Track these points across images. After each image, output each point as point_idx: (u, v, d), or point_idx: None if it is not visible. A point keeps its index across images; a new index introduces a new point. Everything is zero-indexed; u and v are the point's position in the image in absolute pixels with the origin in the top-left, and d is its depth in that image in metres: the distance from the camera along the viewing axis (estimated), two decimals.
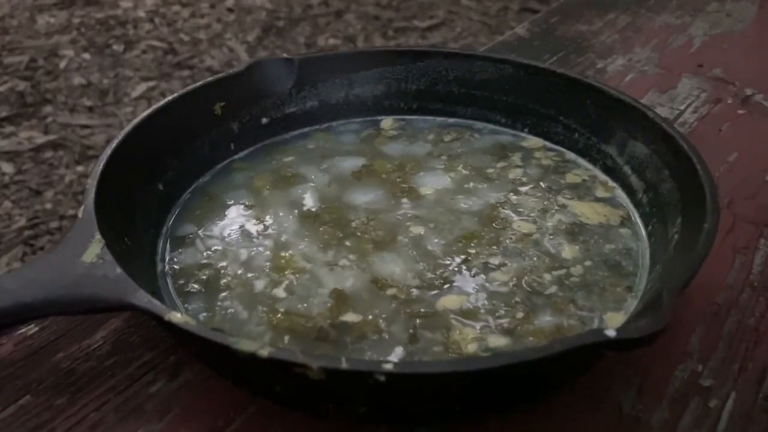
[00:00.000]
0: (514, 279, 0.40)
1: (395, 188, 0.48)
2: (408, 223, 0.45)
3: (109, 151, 0.42)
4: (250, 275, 0.41)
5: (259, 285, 0.40)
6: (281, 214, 0.46)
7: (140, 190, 0.44)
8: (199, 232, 0.45)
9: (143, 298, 0.33)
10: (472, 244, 0.43)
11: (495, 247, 0.43)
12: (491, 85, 0.54)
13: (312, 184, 0.49)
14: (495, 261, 0.42)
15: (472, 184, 0.49)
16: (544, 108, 0.53)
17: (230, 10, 2.26)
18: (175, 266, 0.42)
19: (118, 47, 2.00)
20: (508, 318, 0.38)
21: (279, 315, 0.38)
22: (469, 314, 0.38)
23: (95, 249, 0.35)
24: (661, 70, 0.72)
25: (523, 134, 0.54)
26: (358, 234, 0.44)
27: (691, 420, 0.35)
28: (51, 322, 0.40)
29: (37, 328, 0.40)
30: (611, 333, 0.29)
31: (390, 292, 0.40)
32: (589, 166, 0.50)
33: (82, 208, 0.38)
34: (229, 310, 0.39)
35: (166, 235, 0.44)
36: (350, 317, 0.38)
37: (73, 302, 0.34)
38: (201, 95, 0.50)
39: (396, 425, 0.35)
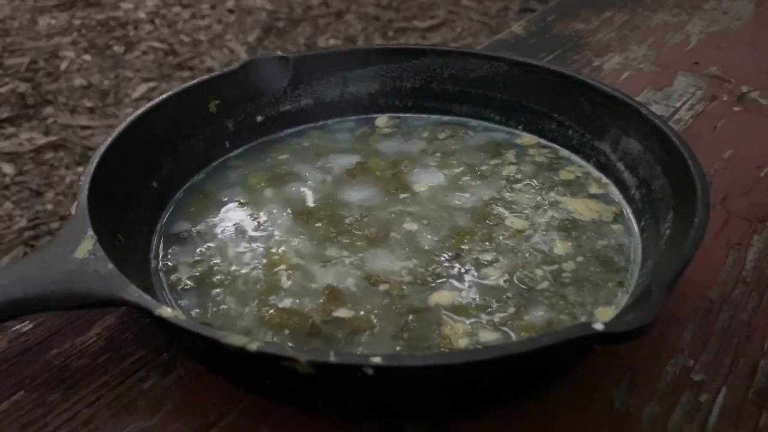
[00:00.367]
0: (506, 275, 0.40)
1: (389, 185, 0.49)
2: (401, 220, 0.45)
3: (103, 148, 0.42)
4: (243, 272, 0.41)
5: (252, 281, 0.40)
6: (275, 211, 0.46)
7: (134, 188, 0.44)
8: (193, 229, 0.45)
9: (134, 294, 0.33)
10: (465, 241, 0.43)
11: (488, 244, 0.43)
12: (486, 83, 0.55)
13: (306, 182, 0.49)
14: (487, 257, 0.42)
15: (465, 180, 0.49)
16: (538, 105, 0.53)
17: (230, 11, 2.26)
18: (169, 263, 0.42)
19: (118, 48, 2.01)
20: (499, 313, 0.38)
21: (271, 311, 0.38)
22: (460, 310, 0.38)
23: (87, 245, 0.36)
24: (658, 67, 0.72)
25: (517, 131, 0.54)
26: (352, 231, 0.44)
27: (681, 414, 0.35)
28: (45, 319, 0.40)
29: (31, 325, 0.40)
30: (599, 326, 0.29)
31: (383, 288, 0.40)
32: (583, 162, 0.50)
33: (75, 204, 0.38)
34: (222, 306, 0.39)
35: (160, 232, 0.45)
36: (343, 313, 0.38)
37: (65, 298, 0.34)
38: (196, 93, 0.50)
39: (386, 420, 0.35)
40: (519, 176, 0.49)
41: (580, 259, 0.42)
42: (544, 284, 0.40)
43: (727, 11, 0.85)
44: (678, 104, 0.64)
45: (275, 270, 0.41)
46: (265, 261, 0.42)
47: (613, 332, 0.29)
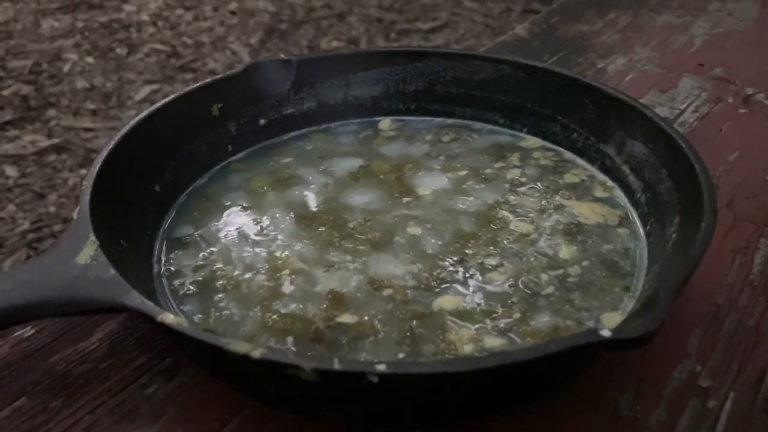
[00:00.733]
0: (511, 279, 0.40)
1: (393, 189, 0.48)
2: (405, 224, 0.45)
3: (105, 152, 0.42)
4: (246, 276, 0.41)
5: (255, 286, 0.40)
6: (278, 215, 0.46)
7: (136, 192, 0.44)
8: (196, 233, 0.45)
9: (136, 299, 0.32)
10: (470, 245, 0.43)
11: (492, 248, 0.43)
12: (489, 86, 0.54)
13: (309, 186, 0.49)
14: (492, 261, 0.41)
15: (469, 184, 0.49)
16: (542, 108, 0.53)
17: (233, 13, 2.26)
18: (171, 268, 0.42)
19: (121, 51, 2.01)
20: (504, 319, 0.38)
21: (275, 316, 0.38)
22: (465, 315, 0.38)
23: (89, 250, 0.35)
24: (662, 69, 0.71)
25: (521, 134, 0.54)
26: (355, 235, 0.44)
27: (689, 421, 0.35)
28: (47, 325, 0.40)
29: (33, 331, 0.40)
30: (606, 333, 0.28)
31: (386, 293, 0.39)
32: (588, 165, 0.50)
33: (77, 209, 0.38)
34: (224, 312, 0.39)
35: (163, 237, 0.44)
36: (346, 318, 0.38)
37: (67, 304, 0.34)
38: (198, 97, 0.50)
39: (390, 427, 0.35)
40: (523, 179, 0.49)
41: (585, 263, 0.41)
42: (550, 289, 0.39)
43: (732, 12, 0.85)
44: (683, 106, 0.64)
45: (278, 275, 0.41)
46: (268, 266, 0.42)
47: (620, 339, 0.28)
